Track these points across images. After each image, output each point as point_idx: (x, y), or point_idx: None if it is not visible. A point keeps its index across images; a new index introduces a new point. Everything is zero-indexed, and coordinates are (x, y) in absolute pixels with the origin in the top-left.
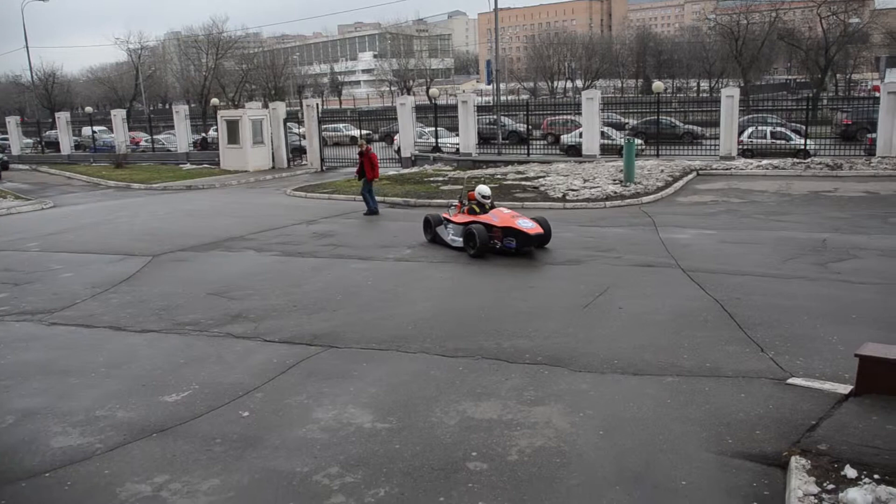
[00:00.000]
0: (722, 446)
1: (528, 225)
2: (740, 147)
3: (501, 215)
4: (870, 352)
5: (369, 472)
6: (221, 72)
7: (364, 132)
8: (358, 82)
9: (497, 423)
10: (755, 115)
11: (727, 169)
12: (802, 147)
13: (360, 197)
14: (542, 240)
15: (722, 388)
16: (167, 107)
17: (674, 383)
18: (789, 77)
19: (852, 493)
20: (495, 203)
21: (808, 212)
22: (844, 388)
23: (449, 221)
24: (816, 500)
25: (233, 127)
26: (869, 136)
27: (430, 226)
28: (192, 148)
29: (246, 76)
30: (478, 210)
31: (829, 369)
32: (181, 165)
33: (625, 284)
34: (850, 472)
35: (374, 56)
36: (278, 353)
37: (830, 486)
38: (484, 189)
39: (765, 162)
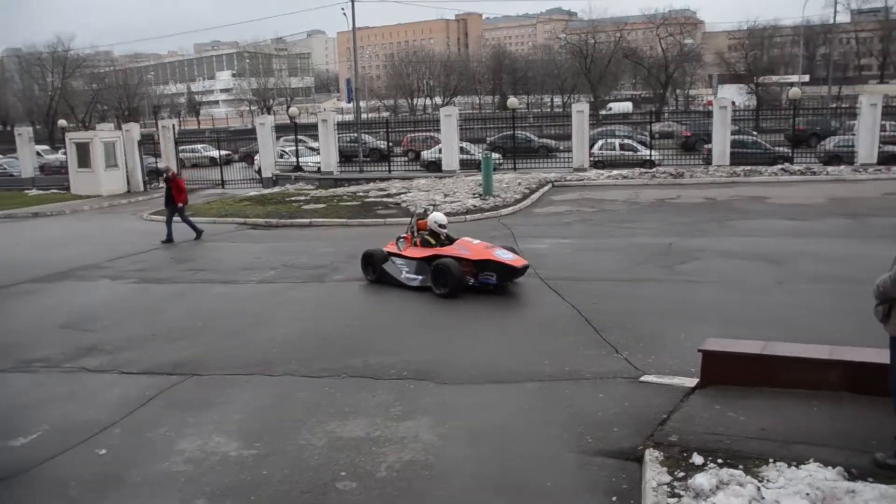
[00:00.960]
0: (583, 446)
1: (509, 256)
2: (592, 159)
3: (472, 246)
4: (711, 346)
5: (237, 501)
6: (70, 92)
7: (223, 152)
8: (217, 102)
9: (365, 440)
10: (605, 129)
11: (580, 180)
12: (649, 157)
13: (230, 218)
14: (524, 271)
15: (581, 390)
16: (9, 129)
17: (536, 389)
18: (635, 92)
19: (699, 478)
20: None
21: (655, 218)
22: (691, 382)
23: (399, 256)
24: (669, 489)
25: (83, 150)
26: (706, 146)
27: (373, 263)
28: (38, 172)
29: (97, 96)
30: (433, 241)
31: (677, 365)
32: (26, 191)
33: (485, 295)
34: (697, 459)
35: (233, 75)
36: (137, 385)
37: (681, 475)
38: (440, 217)
39: (615, 172)
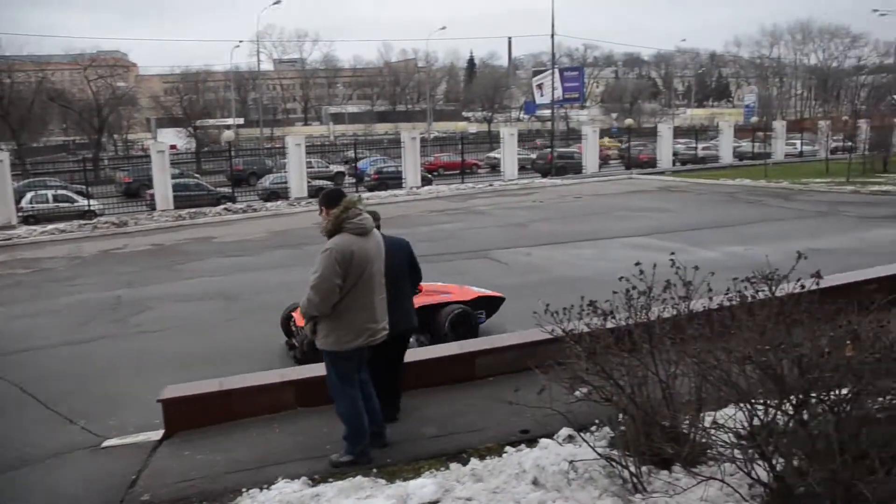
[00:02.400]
0: None
1: (486, 290)
2: (21, 214)
3: (449, 287)
4: (170, 394)
5: None
6: None
7: None
8: None
9: None
10: (35, 180)
11: (8, 239)
12: (88, 208)
13: None
14: None
15: (36, 476)
16: None
17: None
18: (67, 138)
19: None
20: None
21: (101, 271)
22: (158, 435)
23: None
24: None
25: None
26: (149, 192)
27: None
28: None
29: None
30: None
31: (142, 422)
32: None
33: None
34: None
35: None
36: None
37: None
38: None
39: (50, 227)
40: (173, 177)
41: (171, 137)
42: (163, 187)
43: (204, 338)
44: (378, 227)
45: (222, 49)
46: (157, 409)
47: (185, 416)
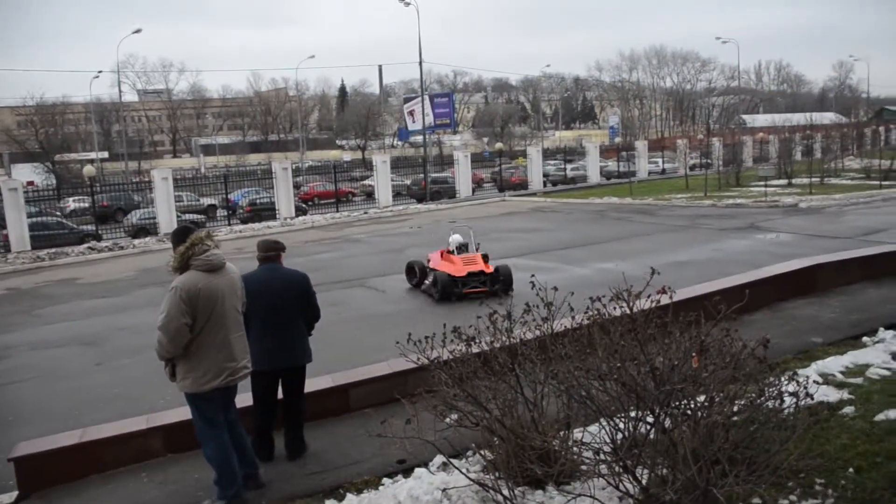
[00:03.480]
0: None
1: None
2: None
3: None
4: (24, 451)
5: None
6: None
7: None
8: None
9: None
10: None
11: None
12: None
13: None
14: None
15: None
16: None
17: None
18: None
19: None
20: None
21: None
22: (10, 498)
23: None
24: None
25: None
26: (3, 232)
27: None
28: None
29: None
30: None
31: None
32: None
33: None
34: None
35: None
36: None
37: None
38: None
39: None
40: (31, 215)
41: (28, 174)
42: (18, 227)
43: (66, 385)
44: (279, 258)
45: (80, 80)
46: (9, 469)
47: (43, 474)
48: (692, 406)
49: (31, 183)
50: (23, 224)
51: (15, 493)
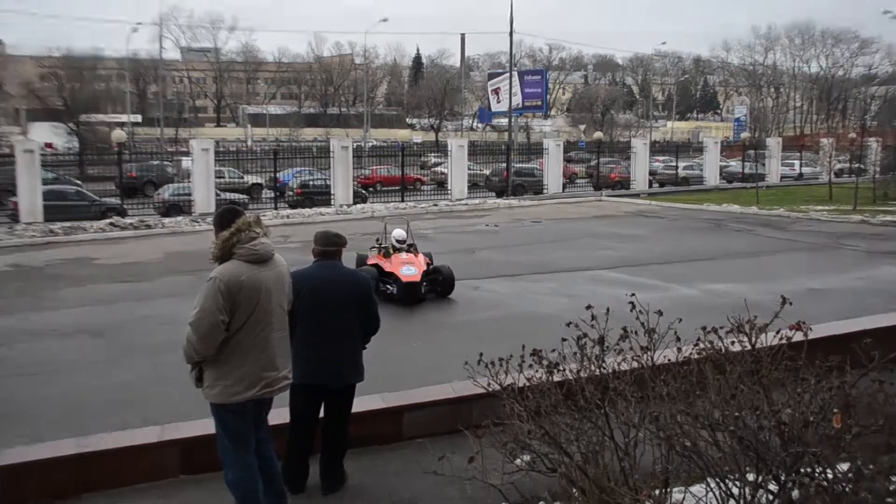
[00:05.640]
0: None
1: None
2: None
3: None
4: (7, 461)
5: None
6: None
7: None
8: None
9: None
10: None
11: None
12: None
13: None
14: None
15: None
16: None
17: None
18: None
19: None
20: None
21: None
22: None
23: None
24: None
25: None
26: (12, 199)
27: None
28: None
29: None
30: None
31: None
32: None
33: None
34: None
35: None
36: None
37: None
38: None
39: None
40: (46, 182)
41: (48, 134)
42: (30, 195)
43: (68, 384)
44: (339, 255)
45: (115, 32)
46: None
47: (32, 489)
48: (830, 476)
49: (49, 145)
50: (36, 192)
51: None
